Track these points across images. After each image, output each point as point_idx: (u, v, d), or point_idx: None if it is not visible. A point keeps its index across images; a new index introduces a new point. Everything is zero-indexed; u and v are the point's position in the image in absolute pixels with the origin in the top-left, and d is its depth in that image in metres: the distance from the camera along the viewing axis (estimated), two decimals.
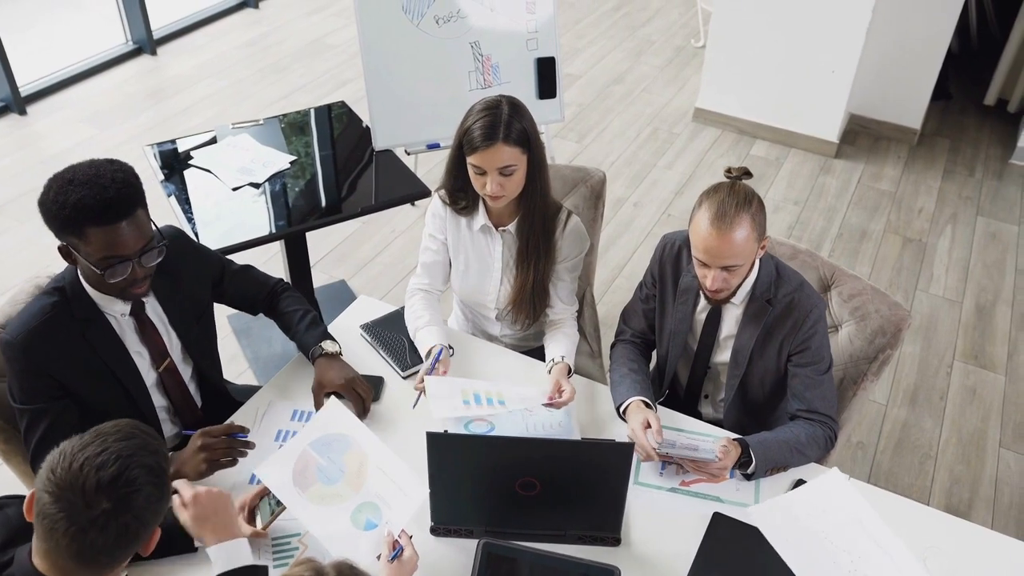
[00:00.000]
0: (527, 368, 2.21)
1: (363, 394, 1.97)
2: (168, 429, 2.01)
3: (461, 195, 2.20)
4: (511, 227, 2.21)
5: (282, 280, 2.22)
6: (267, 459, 1.74)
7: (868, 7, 4.27)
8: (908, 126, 4.94)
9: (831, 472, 1.87)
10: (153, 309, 1.91)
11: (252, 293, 2.16)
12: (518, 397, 2.02)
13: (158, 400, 1.95)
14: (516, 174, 2.05)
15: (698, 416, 2.17)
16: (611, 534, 1.76)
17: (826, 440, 1.98)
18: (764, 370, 2.05)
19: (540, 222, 2.17)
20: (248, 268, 2.17)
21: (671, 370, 2.19)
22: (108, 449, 1.23)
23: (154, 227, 1.77)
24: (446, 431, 1.74)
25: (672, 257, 2.11)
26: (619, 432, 1.98)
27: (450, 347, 2.16)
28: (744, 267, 1.88)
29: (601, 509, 1.73)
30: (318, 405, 1.94)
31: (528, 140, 2.05)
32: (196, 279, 2.00)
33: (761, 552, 1.72)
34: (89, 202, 1.62)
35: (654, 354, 2.28)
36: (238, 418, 2.01)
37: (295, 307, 2.14)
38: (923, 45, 4.63)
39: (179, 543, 1.64)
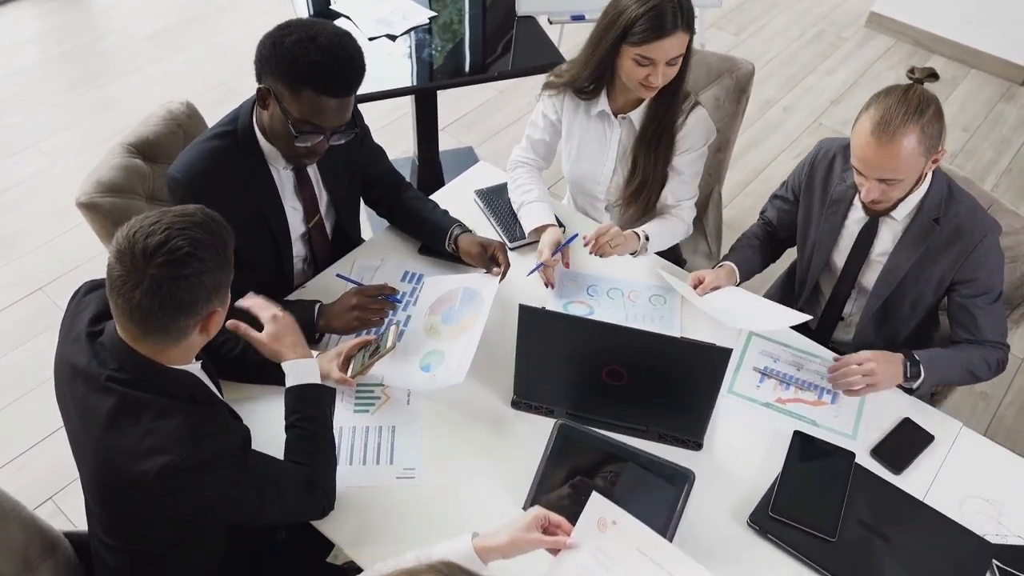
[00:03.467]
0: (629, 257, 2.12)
1: (502, 261, 1.92)
2: (299, 274, 2.05)
3: (593, 84, 2.07)
4: (633, 115, 2.07)
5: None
6: (440, 276, 1.98)
7: None
8: None
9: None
10: (311, 167, 1.91)
11: (379, 174, 2.10)
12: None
13: (298, 250, 1.98)
14: (680, 61, 1.92)
15: (828, 337, 2.07)
16: (694, 438, 1.71)
17: (997, 362, 1.88)
18: (917, 295, 1.92)
19: (670, 113, 2.03)
20: (382, 150, 2.12)
21: (810, 285, 2.08)
22: (161, 221, 1.28)
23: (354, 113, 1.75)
24: (543, 307, 1.71)
25: (825, 164, 1.97)
26: (721, 337, 1.89)
27: (561, 224, 2.10)
28: (906, 182, 1.73)
29: (687, 411, 1.68)
30: (498, 262, 1.92)
31: (693, 20, 1.90)
32: (351, 139, 1.94)
33: (843, 473, 1.65)
34: (323, 69, 1.61)
35: (788, 264, 2.20)
36: (343, 270, 2.04)
37: (425, 198, 2.10)
38: None
39: (278, 374, 1.69)
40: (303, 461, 1.52)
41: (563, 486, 1.54)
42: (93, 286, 1.51)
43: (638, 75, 1.92)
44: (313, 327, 1.81)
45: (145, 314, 1.28)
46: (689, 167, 2.13)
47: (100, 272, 1.34)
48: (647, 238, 2.06)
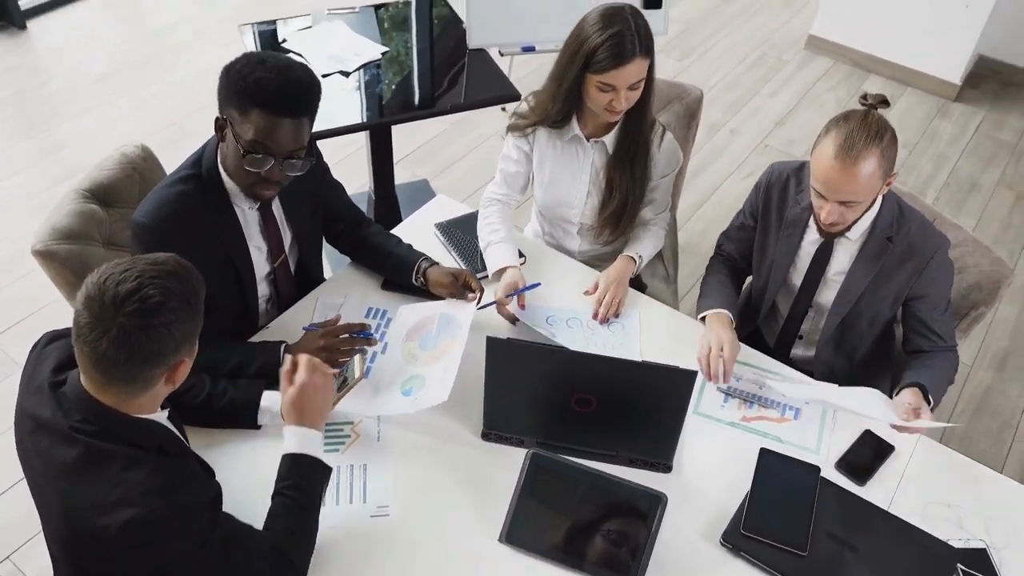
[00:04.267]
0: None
1: (476, 287, 1.97)
2: (263, 314, 2.03)
3: (563, 115, 2.11)
4: (606, 139, 2.12)
5: None
6: (415, 303, 1.99)
7: None
8: None
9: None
10: (275, 204, 1.90)
11: (339, 208, 2.10)
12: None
13: (263, 290, 1.97)
14: (641, 85, 1.97)
15: (786, 355, 2.11)
16: (663, 461, 1.73)
17: (957, 363, 1.96)
18: (874, 312, 1.97)
19: (640, 134, 2.09)
20: (341, 185, 2.12)
21: (767, 304, 2.12)
22: (133, 269, 1.26)
23: (311, 143, 1.75)
24: (508, 338, 1.73)
25: (779, 186, 2.01)
26: (684, 359, 1.92)
27: (521, 255, 2.12)
28: (864, 204, 1.79)
29: (656, 434, 1.70)
30: (472, 288, 1.96)
31: (652, 45, 1.95)
32: (313, 173, 1.91)
33: (810, 488, 1.67)
34: (268, 85, 1.61)
35: (747, 284, 2.23)
36: (306, 309, 2.03)
37: (388, 234, 2.11)
38: None
39: (245, 418, 1.67)
40: (282, 533, 1.46)
41: (596, 536, 1.56)
42: (54, 336, 1.48)
43: (602, 101, 1.97)
44: (279, 369, 1.80)
45: (111, 363, 1.25)
46: (664, 187, 2.23)
47: (54, 321, 1.32)
48: (640, 258, 2.17)
